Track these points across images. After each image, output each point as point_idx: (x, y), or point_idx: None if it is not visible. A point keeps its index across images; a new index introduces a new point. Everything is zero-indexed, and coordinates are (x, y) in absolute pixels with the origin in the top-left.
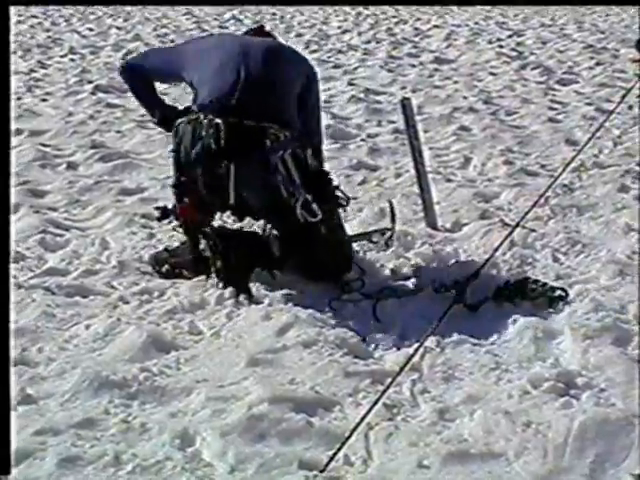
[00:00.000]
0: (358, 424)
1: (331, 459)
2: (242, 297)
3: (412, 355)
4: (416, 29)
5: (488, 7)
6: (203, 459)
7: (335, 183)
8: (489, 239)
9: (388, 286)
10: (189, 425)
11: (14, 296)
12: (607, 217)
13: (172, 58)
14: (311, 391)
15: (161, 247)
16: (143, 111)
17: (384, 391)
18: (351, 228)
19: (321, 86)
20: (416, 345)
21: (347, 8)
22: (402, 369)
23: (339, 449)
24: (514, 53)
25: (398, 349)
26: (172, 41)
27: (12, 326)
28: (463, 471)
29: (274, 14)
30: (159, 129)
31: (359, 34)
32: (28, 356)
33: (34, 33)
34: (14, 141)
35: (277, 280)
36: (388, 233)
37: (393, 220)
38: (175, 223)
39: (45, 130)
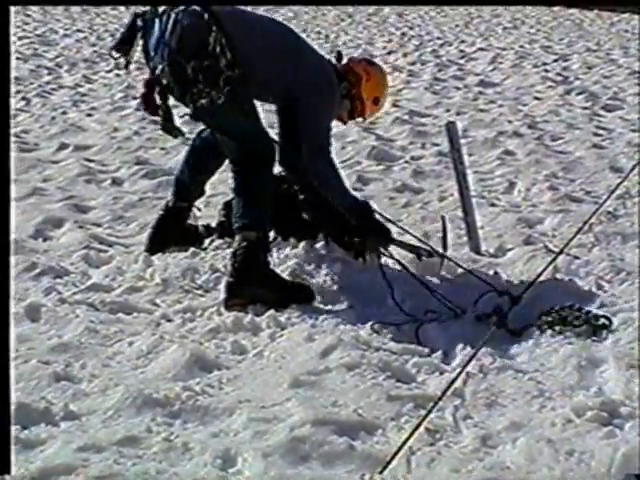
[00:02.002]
0: (400, 448)
1: None
2: None
3: (453, 380)
4: (461, 51)
5: (533, 30)
6: None
7: None
8: (532, 265)
9: (431, 309)
10: (231, 445)
11: (58, 311)
12: None
13: None
14: (354, 414)
15: (207, 265)
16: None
17: (425, 416)
18: (394, 252)
19: None
20: (458, 370)
21: (392, 29)
22: (443, 394)
23: (380, 473)
24: (559, 78)
25: (441, 374)
26: None
27: (56, 341)
28: None
29: (319, 33)
30: None
31: (404, 55)
32: (71, 372)
33: (80, 48)
34: (59, 156)
35: (320, 301)
36: (438, 259)
37: (444, 244)
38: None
39: (90, 145)
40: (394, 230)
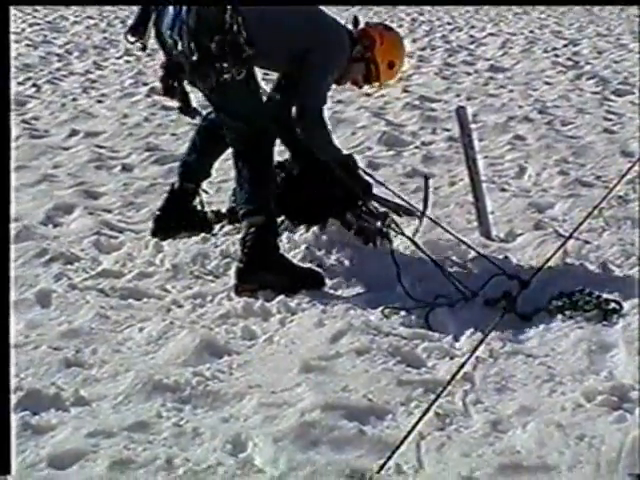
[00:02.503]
0: (409, 433)
1: (381, 467)
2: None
3: (462, 364)
4: (471, 36)
5: (543, 15)
6: (255, 465)
7: None
8: (543, 250)
9: (441, 294)
10: (241, 431)
11: (69, 297)
12: None
13: None
14: (364, 399)
15: (217, 251)
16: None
17: (434, 400)
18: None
19: (376, 92)
20: (468, 355)
21: (402, 14)
22: (452, 378)
23: (389, 458)
24: (570, 62)
25: (451, 358)
26: None
27: (66, 327)
28: None
29: None
30: None
31: (414, 41)
32: (82, 358)
33: (90, 34)
34: (69, 142)
35: (330, 286)
36: (417, 221)
37: (425, 204)
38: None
39: (100, 132)
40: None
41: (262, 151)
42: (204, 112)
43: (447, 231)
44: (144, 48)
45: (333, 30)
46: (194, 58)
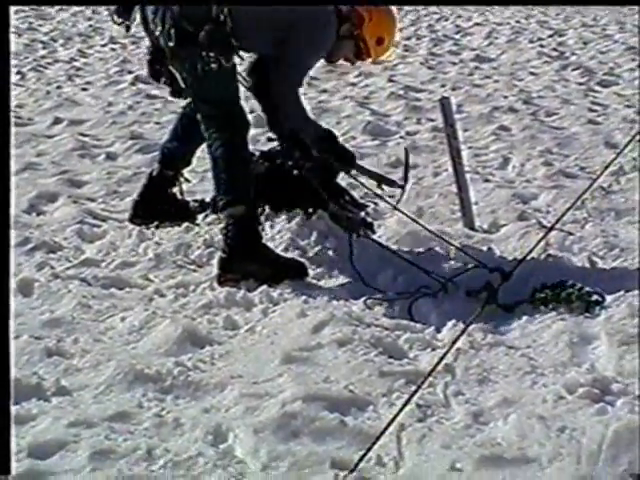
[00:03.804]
0: (389, 424)
1: (361, 459)
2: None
3: (443, 356)
4: (457, 26)
5: (529, 5)
6: (235, 456)
7: None
8: (526, 241)
9: (423, 285)
10: (222, 421)
11: (51, 286)
12: None
13: None
14: (345, 390)
15: (200, 241)
16: (182, 103)
17: (415, 392)
18: (389, 226)
19: (361, 82)
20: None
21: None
22: (433, 370)
23: (369, 449)
24: (555, 53)
25: (433, 350)
26: None
27: (48, 316)
28: (496, 475)
29: None
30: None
31: (400, 30)
32: (63, 347)
33: (75, 21)
34: (53, 130)
35: (313, 277)
36: (399, 191)
37: (406, 176)
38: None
39: (84, 120)
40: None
41: (237, 138)
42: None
43: (425, 228)
44: (128, 29)
45: (317, 9)
46: (171, 44)
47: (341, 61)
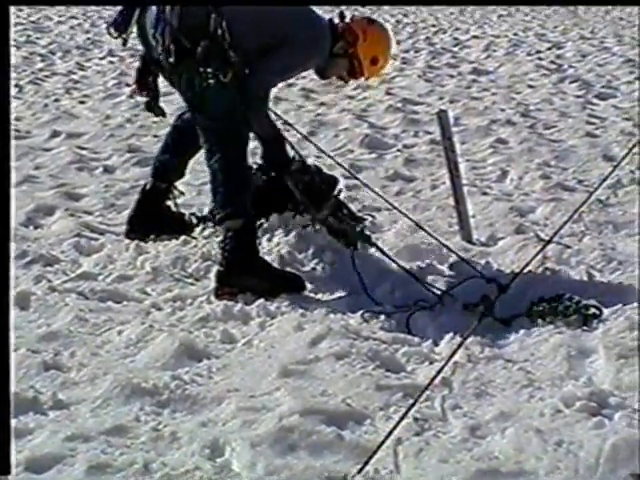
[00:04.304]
0: (386, 438)
1: (359, 472)
2: None
3: (441, 369)
4: (455, 39)
5: (527, 18)
6: (232, 470)
7: None
8: (524, 254)
9: (421, 299)
10: (219, 435)
11: (48, 299)
12: None
13: None
14: (342, 404)
15: (197, 254)
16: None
17: (412, 405)
18: (386, 239)
19: (359, 94)
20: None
21: (386, 15)
22: (430, 383)
23: (366, 462)
24: (553, 66)
25: (430, 363)
26: None
27: (45, 330)
28: None
29: None
30: None
31: (397, 42)
32: (60, 360)
33: (73, 34)
34: (51, 143)
35: (310, 290)
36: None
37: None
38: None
39: (82, 133)
40: None
41: (236, 151)
42: (176, 112)
43: (428, 233)
44: (125, 43)
45: (314, 21)
46: (171, 60)
47: (334, 79)
